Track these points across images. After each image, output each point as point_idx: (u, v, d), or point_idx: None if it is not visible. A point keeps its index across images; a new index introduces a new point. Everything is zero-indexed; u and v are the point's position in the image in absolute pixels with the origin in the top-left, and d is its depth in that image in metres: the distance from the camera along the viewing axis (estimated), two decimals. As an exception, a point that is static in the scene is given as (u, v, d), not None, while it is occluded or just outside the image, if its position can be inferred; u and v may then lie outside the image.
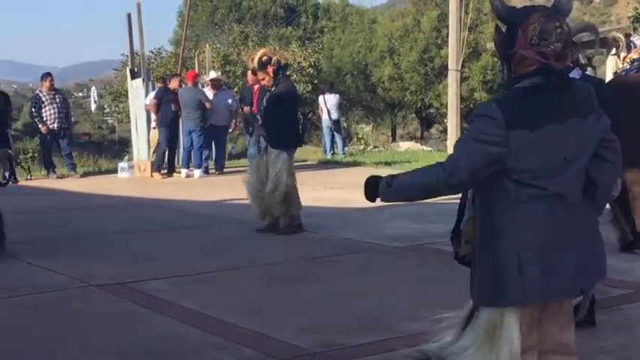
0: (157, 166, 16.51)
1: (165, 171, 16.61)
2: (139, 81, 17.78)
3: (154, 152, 16.82)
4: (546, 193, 3.23)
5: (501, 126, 3.16)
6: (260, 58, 9.26)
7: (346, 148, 22.37)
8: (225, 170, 17.15)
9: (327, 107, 20.90)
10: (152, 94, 16.72)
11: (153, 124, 16.68)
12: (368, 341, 5.28)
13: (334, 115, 20.97)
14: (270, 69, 9.22)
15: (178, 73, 18.62)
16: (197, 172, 16.38)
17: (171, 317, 5.97)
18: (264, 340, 5.34)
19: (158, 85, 17.11)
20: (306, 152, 24.68)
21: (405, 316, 5.78)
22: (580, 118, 3.26)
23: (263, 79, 9.45)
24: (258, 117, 9.77)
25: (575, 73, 5.25)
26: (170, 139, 16.55)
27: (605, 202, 3.58)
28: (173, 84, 16.80)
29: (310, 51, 33.26)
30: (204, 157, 16.69)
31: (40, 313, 6.23)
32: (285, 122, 9.30)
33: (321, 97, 21.54)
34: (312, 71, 33.08)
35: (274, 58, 9.31)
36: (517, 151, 3.18)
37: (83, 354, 5.16)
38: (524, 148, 3.18)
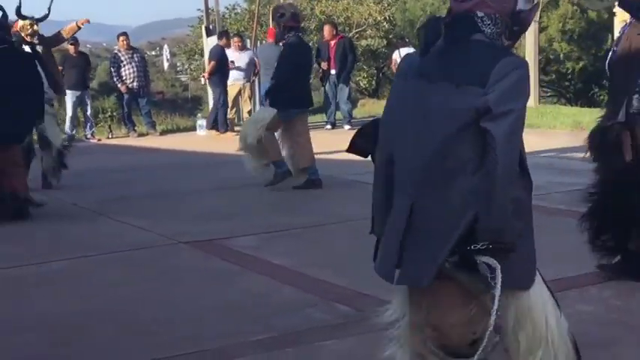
0: (209, 124, 16.67)
1: (224, 129, 16.58)
2: (213, 38, 17.78)
3: (231, 108, 16.85)
4: None
5: None
6: (274, 14, 9.46)
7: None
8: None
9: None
10: (228, 52, 16.70)
11: (230, 80, 16.69)
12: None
13: None
14: (289, 24, 9.32)
15: (226, 30, 18.46)
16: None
17: (262, 274, 6.00)
18: (357, 297, 5.32)
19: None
20: (382, 107, 24.59)
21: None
22: None
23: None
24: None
25: None
26: (223, 99, 16.64)
27: None
28: (222, 42, 16.83)
29: (386, 5, 32.78)
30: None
31: (130, 270, 6.33)
32: (284, 82, 9.35)
33: (396, 52, 21.29)
34: (386, 26, 32.65)
35: (288, 16, 9.35)
36: None
37: (174, 310, 5.22)
38: None
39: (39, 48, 10.04)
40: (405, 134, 3.09)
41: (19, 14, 10.06)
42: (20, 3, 9.97)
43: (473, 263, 3.02)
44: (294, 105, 9.45)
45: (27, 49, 9.85)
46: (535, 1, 3.15)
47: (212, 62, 16.38)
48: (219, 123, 16.29)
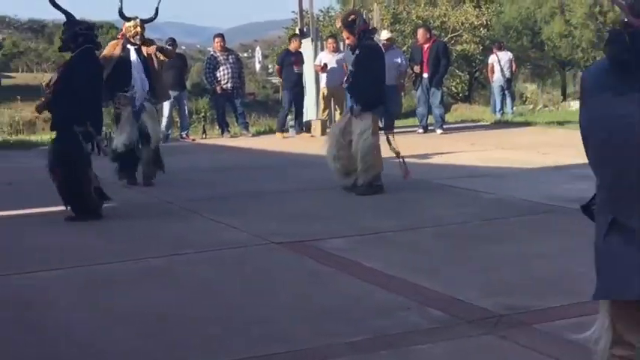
0: (279, 127, 16.97)
1: (291, 132, 16.69)
2: (307, 41, 17.88)
3: (323, 110, 16.93)
4: None
5: None
6: (347, 18, 9.56)
7: (514, 108, 21.87)
8: (394, 130, 17.04)
9: (500, 65, 20.46)
10: (321, 54, 16.78)
11: (322, 83, 16.77)
12: (555, 305, 5.16)
13: (507, 74, 20.53)
14: (361, 27, 9.44)
15: (298, 33, 18.54)
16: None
17: (354, 276, 6.01)
18: (449, 301, 5.30)
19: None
20: (474, 112, 24.38)
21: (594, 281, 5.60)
22: None
23: (348, 39, 9.73)
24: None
25: None
26: (294, 102, 16.74)
27: None
28: (293, 45, 16.90)
29: (484, 10, 32.45)
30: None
31: (223, 268, 6.42)
32: (370, 83, 9.43)
33: (493, 56, 21.07)
34: (483, 31, 32.30)
35: (359, 21, 9.52)
36: None
37: (265, 311, 5.26)
38: None
39: (144, 50, 10.26)
40: (622, 152, 2.92)
41: (122, 15, 10.25)
42: (121, 4, 10.14)
43: None
44: (379, 103, 9.62)
45: (132, 51, 10.08)
46: None
47: (277, 66, 16.62)
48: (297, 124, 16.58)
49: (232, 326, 4.96)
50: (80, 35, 8.36)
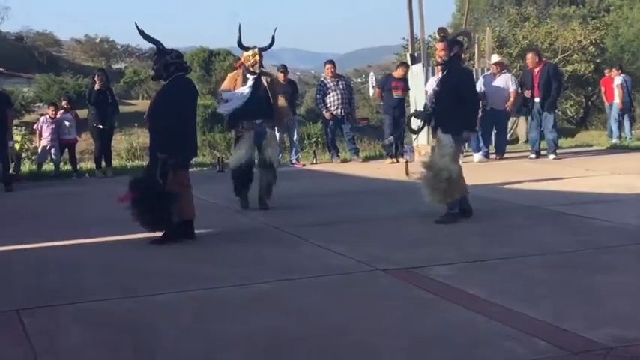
0: (387, 153, 17.06)
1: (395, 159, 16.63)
2: (418, 66, 17.85)
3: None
4: None
5: None
6: (457, 35, 9.60)
7: (632, 132, 21.27)
8: (505, 155, 16.82)
9: (623, 88, 19.98)
10: (432, 79, 16.71)
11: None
12: (670, 339, 4.98)
13: (626, 97, 20.02)
14: (455, 49, 9.29)
15: (405, 62, 18.49)
16: (476, 157, 16.23)
17: (458, 304, 5.94)
18: (555, 331, 5.17)
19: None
20: (589, 136, 23.80)
21: None
22: None
23: (442, 50, 9.37)
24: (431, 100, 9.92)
25: None
26: (392, 126, 16.68)
27: None
28: (398, 72, 16.92)
29: (591, 28, 31.73)
30: (481, 142, 16.54)
31: (330, 294, 6.42)
32: (459, 107, 9.19)
33: (618, 78, 20.46)
34: (593, 50, 31.55)
35: (465, 47, 9.63)
36: None
37: (369, 337, 5.24)
38: None
39: (263, 79, 10.45)
40: None
41: (241, 45, 10.45)
42: (240, 35, 10.34)
43: None
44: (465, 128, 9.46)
45: (250, 79, 10.28)
46: None
47: (378, 89, 16.68)
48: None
49: (336, 352, 4.96)
50: (171, 64, 8.61)
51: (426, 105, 9.80)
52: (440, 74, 16.23)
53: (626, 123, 20.46)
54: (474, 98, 9.54)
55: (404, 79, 16.96)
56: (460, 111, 9.22)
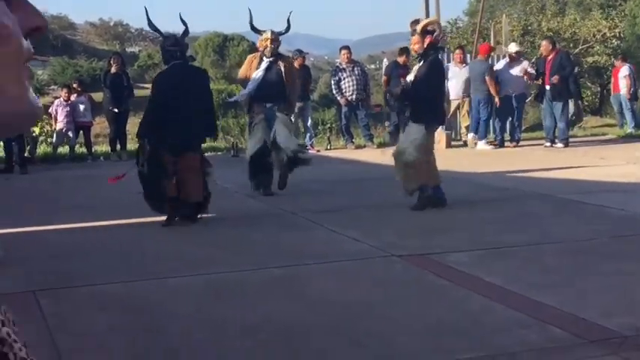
0: (392, 141, 16.85)
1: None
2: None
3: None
4: None
5: None
6: (426, 26, 9.38)
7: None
8: (520, 143, 16.76)
9: (630, 78, 19.84)
10: (448, 66, 16.66)
11: (452, 95, 16.64)
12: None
13: (633, 87, 19.88)
14: (427, 39, 9.20)
15: (407, 47, 18.35)
16: (480, 144, 16.22)
17: (473, 291, 5.94)
18: (570, 319, 5.17)
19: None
20: (605, 125, 23.68)
21: None
22: None
23: (416, 44, 9.34)
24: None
25: None
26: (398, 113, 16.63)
27: None
28: (402, 59, 16.78)
29: (616, 20, 31.37)
30: (498, 128, 16.54)
31: (345, 280, 6.44)
32: (429, 98, 9.20)
33: (625, 68, 20.30)
34: (615, 43, 31.19)
35: (437, 34, 9.41)
36: None
37: (385, 324, 5.25)
38: None
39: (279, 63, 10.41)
40: None
41: (254, 28, 10.45)
42: (251, 18, 10.34)
43: None
44: (435, 120, 9.60)
45: (264, 62, 10.27)
46: None
47: (384, 77, 16.61)
48: None
49: (352, 338, 4.97)
50: (167, 52, 8.69)
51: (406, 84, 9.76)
52: (459, 64, 16.38)
53: (626, 112, 20.23)
54: (432, 91, 9.41)
55: (408, 66, 16.85)
56: (428, 101, 9.23)
